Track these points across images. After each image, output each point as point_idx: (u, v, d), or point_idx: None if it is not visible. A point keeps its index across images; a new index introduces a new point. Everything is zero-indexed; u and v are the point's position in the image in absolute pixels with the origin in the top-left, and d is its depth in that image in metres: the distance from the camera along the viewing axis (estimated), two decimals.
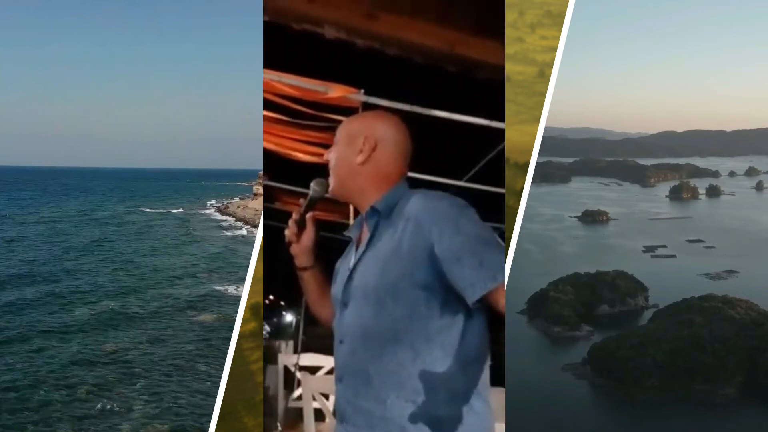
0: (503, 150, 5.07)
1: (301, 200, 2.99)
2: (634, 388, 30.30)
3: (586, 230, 71.09)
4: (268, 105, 5.35)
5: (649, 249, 59.74)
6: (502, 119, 4.99)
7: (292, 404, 7.70)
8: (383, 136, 2.78)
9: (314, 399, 6.60)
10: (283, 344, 9.86)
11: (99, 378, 22.76)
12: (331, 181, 2.83)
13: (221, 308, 32.66)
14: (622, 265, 47.17)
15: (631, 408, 29.25)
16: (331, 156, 2.84)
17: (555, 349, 36.65)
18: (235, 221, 74.29)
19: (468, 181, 7.13)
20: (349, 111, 5.27)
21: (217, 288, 37.58)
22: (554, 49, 4.95)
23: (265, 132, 5.90)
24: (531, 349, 35.50)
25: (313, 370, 7.96)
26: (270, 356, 9.03)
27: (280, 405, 8.05)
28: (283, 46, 4.62)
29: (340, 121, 5.46)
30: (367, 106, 5.09)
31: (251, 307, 5.23)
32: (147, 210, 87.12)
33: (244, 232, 64.70)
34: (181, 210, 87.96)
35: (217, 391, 5.05)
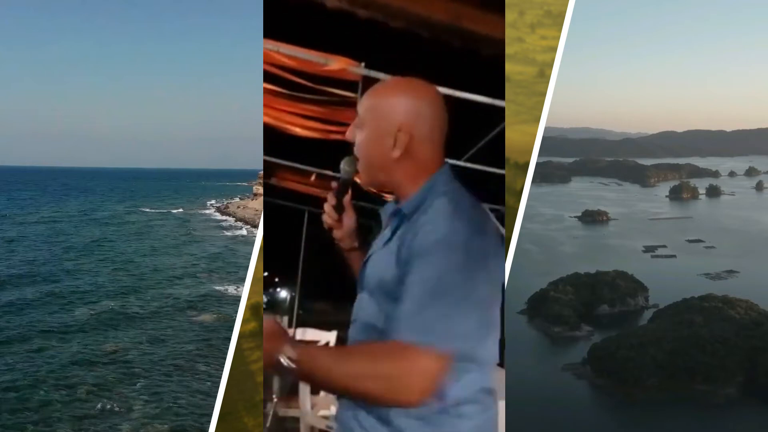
0: (503, 130, 5.03)
1: (333, 183, 2.78)
2: (634, 388, 30.29)
3: (586, 230, 71.07)
4: (267, 77, 5.16)
5: (649, 249, 59.71)
6: (502, 97, 4.91)
7: (288, 378, 7.75)
8: (419, 118, 2.49)
9: None
10: (278, 319, 9.86)
11: (99, 378, 22.76)
12: (361, 170, 2.59)
13: (221, 308, 32.65)
14: (622, 265, 47.15)
15: (631, 408, 29.25)
16: (357, 138, 2.58)
17: (555, 349, 36.64)
18: (235, 221, 74.27)
19: (468, 160, 7.06)
20: (349, 84, 5.12)
21: (217, 288, 37.57)
22: (554, 49, 4.95)
23: (264, 105, 5.79)
24: (531, 349, 35.48)
25: (309, 344, 7.97)
26: None
27: (275, 379, 8.12)
28: (283, 15, 4.45)
29: (339, 95, 5.33)
30: (368, 80, 4.89)
31: (251, 307, 5.23)
32: (147, 210, 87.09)
33: (244, 232, 64.68)
34: (181, 210, 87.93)
35: (217, 391, 5.06)
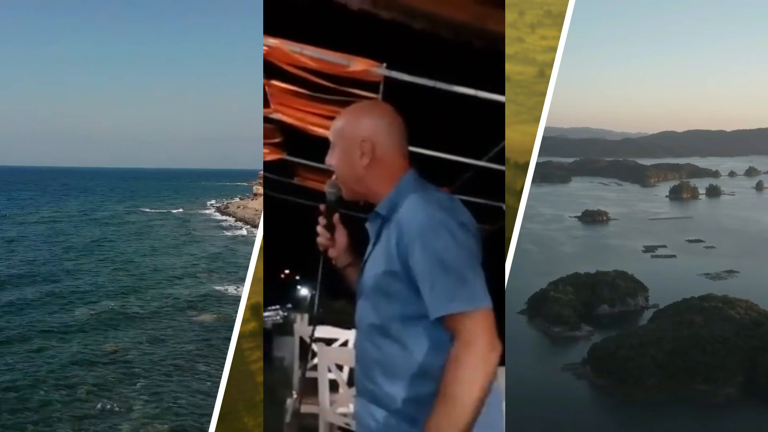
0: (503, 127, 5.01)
1: (322, 206, 3.07)
2: (634, 388, 30.29)
3: (586, 230, 71.04)
4: (289, 78, 5.17)
5: (649, 249, 59.68)
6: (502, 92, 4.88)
7: (308, 374, 7.82)
8: (379, 131, 2.84)
9: (329, 370, 6.70)
10: (298, 316, 9.91)
11: (99, 378, 22.75)
12: (341, 186, 2.92)
13: (221, 308, 32.65)
14: (622, 265, 47.13)
15: (631, 408, 29.24)
16: (333, 162, 2.92)
17: (555, 349, 36.64)
18: (235, 221, 74.27)
19: (490, 160, 7.03)
20: (371, 85, 5.10)
21: (217, 288, 37.57)
22: (554, 49, 4.95)
23: (286, 106, 5.77)
24: (531, 349, 35.48)
25: (328, 342, 8.05)
26: (286, 328, 9.08)
27: (295, 375, 8.16)
28: (306, 16, 4.49)
29: (361, 97, 5.34)
30: (389, 81, 4.97)
31: (251, 307, 5.23)
32: (147, 210, 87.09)
33: (244, 232, 64.68)
34: (181, 210, 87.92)
35: (217, 391, 5.06)
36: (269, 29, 4.59)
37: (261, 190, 79.64)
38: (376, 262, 2.73)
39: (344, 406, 6.66)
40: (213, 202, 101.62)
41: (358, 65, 4.76)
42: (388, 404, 2.69)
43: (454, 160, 7.08)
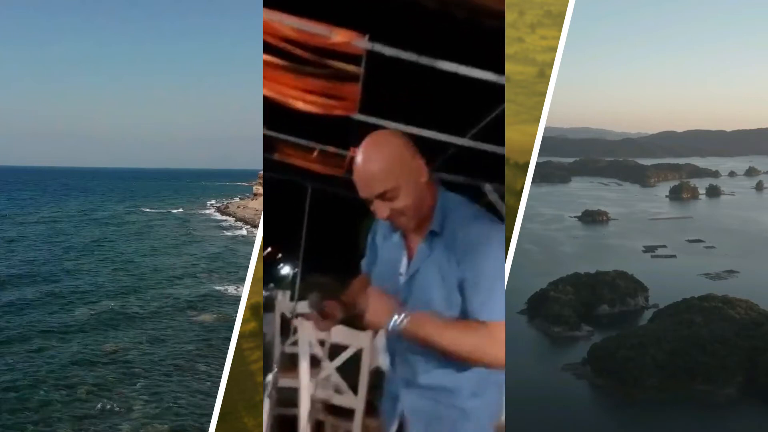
0: (503, 110, 4.95)
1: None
2: (634, 388, 30.26)
3: (586, 230, 71.02)
4: (269, 49, 4.94)
5: (649, 249, 59.67)
6: (502, 72, 4.77)
7: (288, 350, 7.79)
8: (412, 149, 2.98)
9: (310, 345, 6.73)
10: (280, 293, 9.88)
11: (99, 378, 22.76)
12: (408, 221, 2.98)
13: (221, 308, 32.66)
14: (622, 265, 47.12)
15: (631, 408, 29.23)
16: (396, 205, 2.92)
17: (555, 349, 36.62)
18: (235, 221, 74.28)
19: (472, 138, 6.92)
20: (353, 57, 4.90)
21: (217, 288, 37.58)
22: (554, 49, 4.95)
23: (266, 79, 5.63)
24: (531, 349, 35.47)
25: (309, 317, 8.01)
26: (267, 304, 9.10)
27: (276, 351, 8.15)
28: None
29: (342, 69, 5.23)
30: (371, 53, 4.79)
31: (251, 307, 5.23)
32: (147, 210, 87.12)
33: (244, 232, 64.68)
34: (181, 210, 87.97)
35: (217, 391, 5.06)
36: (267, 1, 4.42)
37: (261, 189, 79.63)
38: (433, 276, 2.95)
39: (324, 380, 6.70)
40: (213, 202, 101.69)
41: (339, 36, 4.54)
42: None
43: (435, 138, 6.94)
